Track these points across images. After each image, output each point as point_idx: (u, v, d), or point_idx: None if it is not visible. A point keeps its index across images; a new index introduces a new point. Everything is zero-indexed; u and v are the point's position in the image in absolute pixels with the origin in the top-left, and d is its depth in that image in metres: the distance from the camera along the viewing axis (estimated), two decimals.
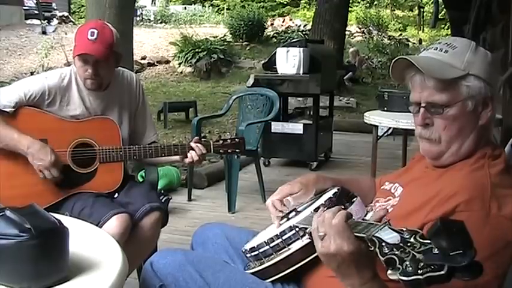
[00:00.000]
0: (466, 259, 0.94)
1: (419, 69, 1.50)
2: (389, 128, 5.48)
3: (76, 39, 2.55)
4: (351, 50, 14.49)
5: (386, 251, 1.03)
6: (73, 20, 21.15)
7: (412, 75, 1.55)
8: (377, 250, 1.06)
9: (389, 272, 1.01)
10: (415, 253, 0.99)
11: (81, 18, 23.72)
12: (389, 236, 1.06)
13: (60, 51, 13.84)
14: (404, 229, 1.06)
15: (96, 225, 2.21)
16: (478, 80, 1.50)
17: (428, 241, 0.99)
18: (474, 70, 1.50)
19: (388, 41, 17.54)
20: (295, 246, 1.58)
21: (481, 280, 1.24)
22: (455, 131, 1.52)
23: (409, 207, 1.48)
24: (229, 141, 2.65)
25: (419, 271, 0.95)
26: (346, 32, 14.25)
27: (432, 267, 0.95)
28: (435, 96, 1.51)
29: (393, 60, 1.58)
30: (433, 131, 1.55)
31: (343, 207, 1.61)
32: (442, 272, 0.94)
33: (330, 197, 1.66)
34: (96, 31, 2.49)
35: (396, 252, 1.01)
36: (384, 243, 1.05)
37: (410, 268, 0.97)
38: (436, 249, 0.97)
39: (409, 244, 1.01)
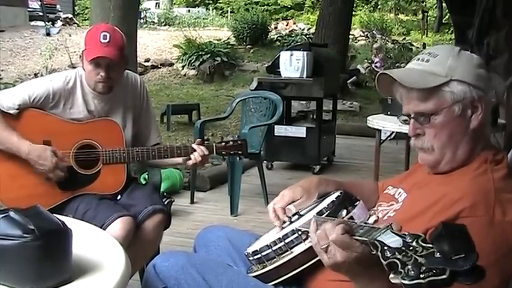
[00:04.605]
0: (468, 263, 0.94)
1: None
2: (393, 132, 5.47)
3: (87, 43, 2.54)
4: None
5: (389, 255, 1.03)
6: (77, 22, 21.19)
7: (397, 88, 1.58)
8: (379, 254, 1.06)
9: (391, 276, 1.01)
10: (417, 257, 0.99)
11: (85, 20, 23.79)
12: (391, 240, 1.06)
13: (64, 53, 13.85)
14: (406, 233, 1.06)
15: (100, 228, 2.21)
16: (462, 85, 1.50)
17: (431, 245, 1.00)
18: (457, 75, 1.50)
19: (392, 45, 17.53)
20: (298, 249, 1.58)
21: (486, 286, 1.25)
22: (445, 137, 1.53)
23: (412, 212, 1.48)
24: (231, 143, 2.66)
25: (421, 275, 0.95)
26: (350, 36, 14.24)
27: (434, 271, 0.95)
28: (420, 106, 1.53)
29: (376, 77, 1.61)
30: (425, 141, 1.56)
31: (345, 211, 1.63)
32: (444, 276, 0.94)
33: (333, 201, 1.67)
34: (108, 34, 2.50)
35: (398, 256, 1.01)
36: (386, 247, 1.05)
37: (412, 272, 0.97)
38: (438, 253, 0.97)
39: (411, 248, 1.02)
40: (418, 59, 1.59)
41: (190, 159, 2.57)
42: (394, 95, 1.62)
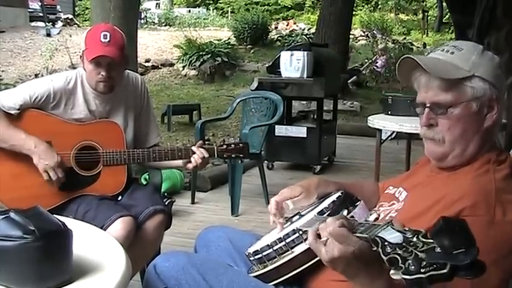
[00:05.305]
0: (468, 257, 0.94)
1: (424, 70, 1.51)
2: (393, 132, 5.47)
3: (87, 43, 2.54)
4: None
5: (389, 251, 1.03)
6: (77, 23, 21.19)
7: (418, 75, 1.56)
8: (380, 250, 1.06)
9: (392, 271, 1.01)
10: (417, 252, 0.98)
11: (85, 20, 23.80)
12: (392, 236, 1.06)
13: (65, 53, 13.87)
14: (407, 229, 1.06)
15: (101, 228, 2.21)
16: (483, 82, 1.50)
17: (431, 240, 0.99)
18: (480, 72, 1.51)
19: (392, 45, 17.53)
20: (299, 249, 1.58)
21: (487, 285, 1.24)
22: (459, 131, 1.52)
23: (414, 211, 1.48)
24: (233, 145, 2.65)
25: (421, 270, 0.95)
26: (350, 36, 14.23)
27: (435, 265, 0.95)
28: (440, 96, 1.52)
29: (400, 59, 1.59)
30: (437, 131, 1.55)
31: (346, 211, 1.63)
32: (445, 271, 0.93)
33: (334, 201, 1.67)
34: (108, 33, 2.50)
35: (399, 252, 1.01)
36: (386, 243, 1.05)
37: (412, 267, 0.96)
38: (438, 248, 0.97)
39: (411, 243, 1.01)
40: (443, 50, 1.58)
41: (190, 161, 2.56)
42: (412, 82, 1.61)
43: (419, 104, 1.58)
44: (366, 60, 14.80)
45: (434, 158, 1.60)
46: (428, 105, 1.55)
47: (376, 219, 1.56)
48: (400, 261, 0.99)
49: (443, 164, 1.58)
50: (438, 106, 1.53)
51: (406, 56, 1.58)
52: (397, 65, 1.61)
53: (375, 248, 1.08)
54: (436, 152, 1.58)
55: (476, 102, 1.51)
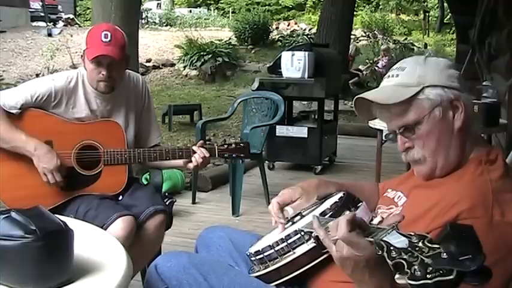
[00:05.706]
0: (475, 264, 0.94)
1: (379, 103, 1.54)
2: None
3: (88, 42, 2.54)
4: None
5: (395, 255, 1.03)
6: (78, 23, 21.23)
7: (376, 109, 1.60)
8: (385, 254, 1.05)
9: (397, 276, 1.00)
10: (423, 257, 0.98)
11: (86, 20, 23.81)
12: (397, 240, 1.05)
13: (66, 53, 13.90)
14: (412, 233, 1.06)
15: (101, 228, 2.22)
16: (435, 89, 1.51)
17: (437, 246, 0.99)
18: (429, 81, 1.52)
19: (393, 45, 17.53)
20: (300, 250, 1.58)
21: (488, 286, 1.24)
22: (434, 144, 1.53)
23: (412, 215, 1.48)
24: (234, 145, 2.65)
25: (427, 275, 0.95)
26: (351, 36, 14.25)
27: (441, 271, 0.94)
28: (402, 119, 1.54)
29: (353, 102, 1.61)
30: (415, 152, 1.57)
31: (348, 212, 1.62)
32: (451, 277, 0.93)
33: (336, 202, 1.67)
34: (109, 33, 2.50)
35: (404, 257, 1.00)
36: (392, 247, 1.04)
37: (418, 272, 0.96)
38: (444, 254, 0.97)
39: (417, 248, 1.01)
40: (388, 76, 1.61)
41: (191, 161, 2.56)
42: (378, 118, 1.64)
43: (391, 133, 1.61)
44: (367, 61, 14.81)
45: (423, 177, 1.61)
46: (397, 131, 1.57)
47: (380, 222, 1.56)
48: (405, 266, 0.99)
49: (434, 177, 1.59)
50: (406, 129, 1.55)
51: (356, 97, 1.60)
52: (354, 108, 1.64)
53: (380, 252, 1.08)
54: (423, 171, 1.59)
55: (438, 110, 1.51)
